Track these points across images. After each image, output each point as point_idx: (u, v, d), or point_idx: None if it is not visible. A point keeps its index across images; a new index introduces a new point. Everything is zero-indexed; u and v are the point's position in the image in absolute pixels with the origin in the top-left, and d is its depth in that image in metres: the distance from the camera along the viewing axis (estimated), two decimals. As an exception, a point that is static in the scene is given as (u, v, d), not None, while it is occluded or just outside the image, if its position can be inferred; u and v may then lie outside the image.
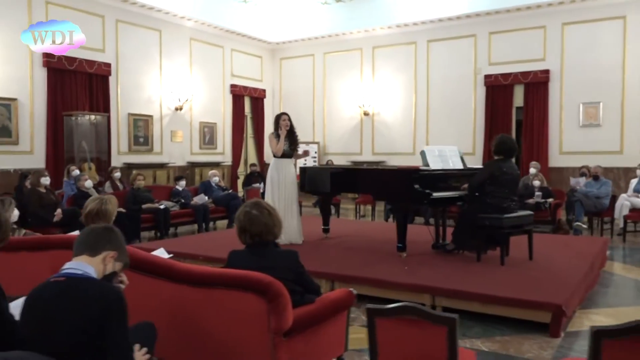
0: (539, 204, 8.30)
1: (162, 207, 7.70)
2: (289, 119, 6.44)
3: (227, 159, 13.69)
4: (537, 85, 11.46)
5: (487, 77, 11.97)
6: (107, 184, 8.70)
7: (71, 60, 9.79)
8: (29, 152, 9.54)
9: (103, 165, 10.11)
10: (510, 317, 3.99)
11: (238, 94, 13.84)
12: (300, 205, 10.91)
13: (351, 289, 2.99)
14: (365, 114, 13.60)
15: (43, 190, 6.56)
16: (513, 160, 5.41)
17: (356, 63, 13.78)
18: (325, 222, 6.78)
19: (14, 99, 9.24)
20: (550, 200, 8.32)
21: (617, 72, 10.65)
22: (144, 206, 7.59)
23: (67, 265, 1.92)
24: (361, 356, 3.39)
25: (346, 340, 3.00)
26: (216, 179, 9.38)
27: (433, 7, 12.24)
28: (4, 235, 2.17)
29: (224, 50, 13.54)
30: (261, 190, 10.01)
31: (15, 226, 4.53)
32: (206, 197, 8.58)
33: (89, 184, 7.10)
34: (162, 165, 11.76)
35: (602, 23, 10.78)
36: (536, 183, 8.58)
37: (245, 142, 14.29)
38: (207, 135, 13.20)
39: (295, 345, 2.57)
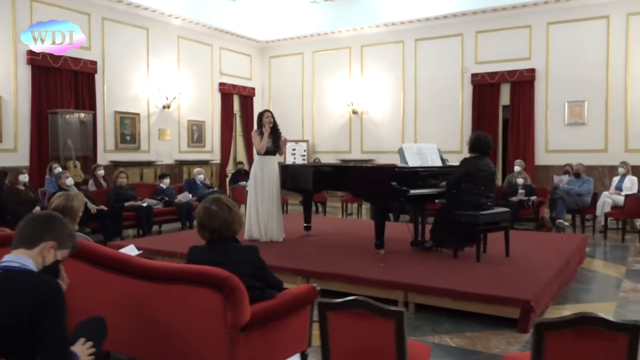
0: (522, 201, 8.35)
1: (145, 205, 7.69)
2: (272, 116, 6.44)
3: (215, 157, 13.68)
4: (523, 84, 11.52)
5: (474, 75, 12.02)
6: (91, 181, 8.67)
7: (56, 57, 9.73)
8: (13, 149, 9.50)
9: (89, 164, 10.06)
10: (481, 313, 4.02)
11: (227, 92, 13.82)
12: (287, 204, 10.98)
13: (314, 285, 3.01)
14: (354, 112, 13.62)
15: (22, 187, 6.54)
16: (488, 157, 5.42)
17: (345, 62, 13.80)
18: (307, 219, 6.79)
19: (-2, 97, 9.21)
20: (534, 198, 8.36)
21: (601, 71, 10.72)
22: (126, 204, 7.57)
23: (5, 258, 1.91)
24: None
25: (310, 336, 3.01)
26: (201, 176, 9.38)
27: (421, 6, 12.27)
28: None
29: (213, 48, 13.52)
30: (247, 189, 10.00)
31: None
32: (190, 195, 8.57)
33: (69, 181, 7.08)
34: (149, 164, 11.73)
35: (586, 22, 10.85)
36: (520, 181, 8.62)
37: (234, 141, 14.28)
38: (196, 133, 13.18)
39: (254, 340, 2.58)
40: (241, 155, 14.52)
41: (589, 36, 10.83)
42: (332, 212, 11.14)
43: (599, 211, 8.15)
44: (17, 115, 9.50)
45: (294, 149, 14.28)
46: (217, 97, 13.67)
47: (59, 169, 7.78)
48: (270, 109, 14.67)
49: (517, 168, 9.35)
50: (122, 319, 2.81)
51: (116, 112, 11.20)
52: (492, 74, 11.78)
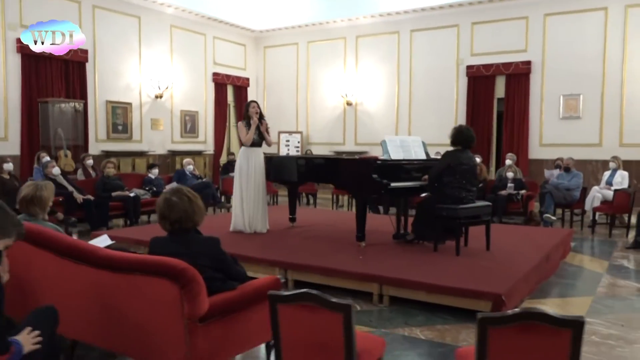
0: (511, 195, 8.33)
1: (132, 195, 7.68)
2: (258, 106, 6.40)
3: (209, 147, 13.65)
4: (519, 76, 11.44)
5: (469, 67, 11.94)
6: (79, 171, 8.66)
7: (46, 46, 9.67)
8: (4, 138, 9.49)
9: (80, 153, 10.04)
10: (454, 306, 4.01)
11: (220, 82, 13.77)
12: (277, 195, 10.98)
13: (278, 276, 3.00)
14: (348, 103, 13.56)
15: (6, 176, 6.53)
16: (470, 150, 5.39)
17: (340, 52, 13.72)
18: (292, 211, 6.78)
19: (-13, 85, 9.19)
20: (523, 192, 8.34)
21: (597, 64, 10.64)
22: (113, 194, 7.56)
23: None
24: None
25: (274, 327, 3.00)
26: (190, 167, 9.36)
27: (416, -4, 12.19)
28: None
29: (206, 37, 13.45)
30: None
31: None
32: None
33: (56, 171, 7.07)
34: (141, 154, 11.71)
35: (583, 14, 10.74)
36: (509, 175, 8.60)
37: (227, 131, 14.24)
38: (189, 123, 13.15)
39: (213, 331, 2.58)
40: (235, 146, 14.47)
41: (586, 28, 10.73)
42: (323, 204, 11.13)
43: (588, 206, 8.12)
44: (7, 103, 9.48)
45: (287, 140, 14.25)
46: (211, 87, 13.62)
47: (47, 158, 7.77)
48: (265, 100, 14.88)
49: (508, 162, 9.33)
50: (87, 308, 2.81)
51: (108, 102, 11.16)
52: (487, 66, 11.70)
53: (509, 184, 8.36)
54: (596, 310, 4.23)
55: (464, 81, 12.06)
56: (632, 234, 7.11)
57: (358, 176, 5.31)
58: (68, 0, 10.30)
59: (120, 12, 11.31)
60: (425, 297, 4.09)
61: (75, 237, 5.08)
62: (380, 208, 9.07)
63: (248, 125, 6.19)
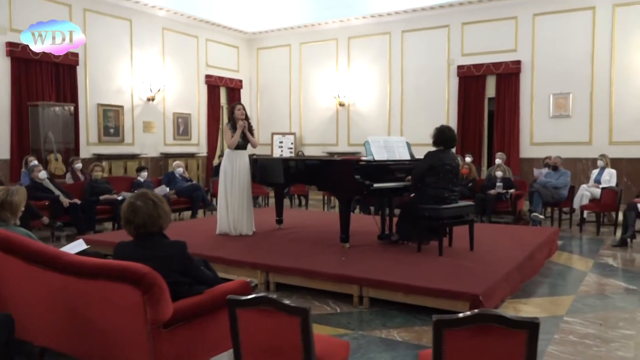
0: (500, 194, 8.33)
1: (120, 198, 7.68)
2: (244, 109, 6.41)
3: (202, 150, 13.65)
4: (509, 76, 11.45)
5: (459, 67, 11.95)
6: (68, 174, 8.65)
7: (36, 50, 9.67)
8: (-7, 142, 9.49)
9: (71, 156, 10.04)
10: (433, 307, 4.01)
11: (213, 84, 13.76)
12: (267, 197, 10.97)
13: (249, 280, 2.99)
14: (341, 104, 13.56)
15: (-9, 181, 6.52)
16: (453, 150, 5.39)
17: (332, 53, 13.72)
18: (279, 213, 6.77)
19: (-24, 89, 9.19)
20: (512, 191, 8.34)
21: (586, 63, 10.65)
22: (101, 197, 7.56)
23: None
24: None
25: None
26: (180, 169, 9.36)
27: (407, -3, 12.21)
28: None
29: (199, 40, 13.44)
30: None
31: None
32: (167, 189, 8.55)
33: (42, 175, 7.06)
34: (133, 157, 11.70)
35: (572, 14, 10.76)
36: (498, 174, 8.60)
37: (221, 133, 14.20)
38: (182, 126, 13.14)
39: (178, 336, 2.57)
40: (228, 148, 14.47)
41: (574, 27, 10.75)
42: (315, 205, 11.13)
43: (576, 204, 8.12)
44: (-4, 107, 9.48)
45: (281, 142, 14.26)
46: (204, 89, 13.62)
47: (35, 162, 7.76)
48: (258, 101, 14.88)
49: (497, 161, 9.35)
50: (54, 315, 2.81)
51: (99, 105, 11.15)
52: (477, 66, 11.71)
53: (498, 183, 8.37)
54: (576, 309, 4.23)
55: (454, 81, 12.07)
56: (620, 232, 7.11)
57: (340, 177, 5.31)
58: (59, 3, 10.30)
59: (111, 15, 11.30)
60: (403, 298, 4.09)
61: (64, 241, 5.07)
62: (371, 209, 9.06)
63: (233, 128, 6.19)
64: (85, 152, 10.79)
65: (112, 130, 11.49)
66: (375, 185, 5.24)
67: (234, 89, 14.42)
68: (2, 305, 2.92)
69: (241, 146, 6.20)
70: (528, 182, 9.01)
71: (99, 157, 10.88)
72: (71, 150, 10.16)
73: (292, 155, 13.50)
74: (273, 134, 14.34)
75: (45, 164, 9.42)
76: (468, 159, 10.08)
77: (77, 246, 3.63)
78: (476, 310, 1.94)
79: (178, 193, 8.82)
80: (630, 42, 10.22)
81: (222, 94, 14.20)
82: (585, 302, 4.42)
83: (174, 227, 7.28)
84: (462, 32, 11.97)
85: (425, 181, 5.19)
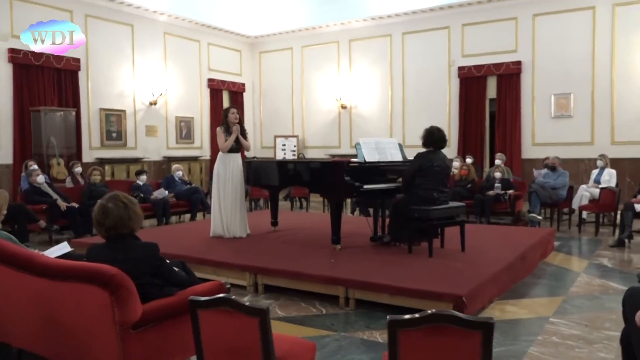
0: (498, 195, 8.28)
1: (118, 201, 7.72)
2: (238, 113, 6.43)
3: (205, 153, 13.72)
4: (510, 76, 11.40)
5: (460, 69, 11.91)
6: (68, 178, 8.74)
7: (38, 55, 9.78)
8: (-4, 147, 9.62)
9: (74, 161, 10.14)
10: (418, 308, 3.99)
11: (216, 88, 13.84)
12: (268, 200, 10.99)
13: (224, 281, 3.01)
14: (343, 107, 13.57)
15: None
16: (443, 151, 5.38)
17: (333, 56, 13.75)
18: (273, 215, 6.79)
19: (-22, 95, 9.32)
20: (510, 191, 8.29)
21: (587, 62, 10.57)
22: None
23: None
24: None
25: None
26: (180, 173, 9.42)
27: (407, -1, 12.20)
28: None
29: (200, 44, 13.53)
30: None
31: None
32: (166, 192, 8.61)
33: (40, 179, 7.15)
34: (136, 160, 11.79)
35: (572, 14, 10.69)
36: (497, 175, 8.55)
37: (223, 136, 14.27)
38: (184, 129, 13.22)
39: (148, 338, 2.59)
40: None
41: (575, 27, 10.68)
42: (316, 208, 11.15)
43: (575, 204, 8.05)
44: (-1, 113, 9.61)
45: (284, 145, 14.28)
46: (206, 93, 13.70)
47: (34, 167, 7.85)
48: (261, 105, 14.94)
49: (497, 162, 9.30)
50: (30, 317, 2.83)
51: (101, 109, 11.26)
52: (478, 67, 11.67)
53: (496, 184, 8.33)
54: (564, 310, 4.20)
55: (455, 82, 12.04)
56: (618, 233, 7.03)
57: (330, 179, 5.31)
58: (60, 9, 10.42)
59: (112, 20, 11.42)
60: (389, 299, 4.08)
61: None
62: (370, 211, 9.05)
63: (226, 132, 6.22)
64: (88, 156, 10.90)
65: (114, 135, 11.59)
66: (366, 186, 5.24)
67: (236, 92, 14.49)
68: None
69: (234, 149, 6.22)
70: (529, 183, 8.95)
71: (102, 161, 10.99)
72: (73, 155, 10.27)
73: (295, 158, 13.52)
74: (276, 136, 14.37)
75: (47, 168, 9.54)
76: (469, 160, 10.05)
77: (60, 249, 3.66)
78: (431, 311, 1.94)
79: (177, 196, 8.88)
80: (631, 42, 10.14)
81: (225, 97, 14.27)
82: (574, 303, 4.38)
83: (169, 230, 7.38)
84: (463, 33, 11.93)
85: (415, 182, 5.18)
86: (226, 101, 14.28)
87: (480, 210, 8.23)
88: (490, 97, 11.81)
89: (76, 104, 10.65)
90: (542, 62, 11.05)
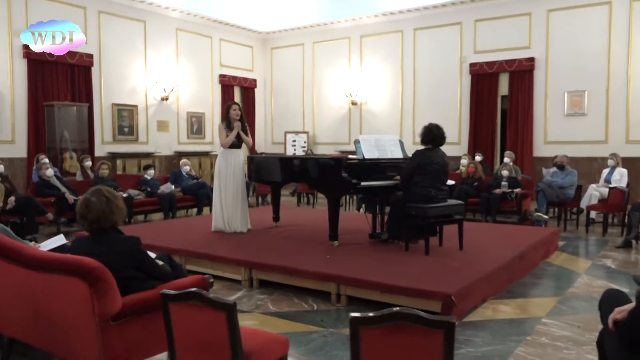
0: (505, 194, 8.19)
1: (124, 195, 7.85)
2: (239, 109, 6.47)
3: (216, 148, 13.73)
4: (522, 73, 11.24)
5: (472, 65, 11.79)
6: (78, 172, 8.90)
7: (51, 51, 9.96)
8: (11, 141, 9.82)
9: (86, 154, 10.31)
10: (408, 306, 3.98)
11: (227, 84, 13.93)
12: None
13: (207, 275, 3.04)
14: (353, 103, 13.55)
15: (-3, 178, 6.77)
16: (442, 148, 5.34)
17: (344, 52, 13.72)
18: (275, 211, 6.82)
19: (-6, 90, 9.53)
20: (517, 190, 8.19)
21: (602, 59, 10.37)
22: (107, 194, 7.73)
23: None
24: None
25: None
26: (187, 167, 9.51)
27: (419, -6, 12.11)
28: None
29: (212, 40, 13.62)
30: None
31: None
32: (172, 186, 8.70)
33: (49, 172, 7.28)
34: (147, 155, 11.94)
35: (587, 9, 10.49)
36: (504, 173, 8.46)
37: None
38: (195, 125, 13.35)
39: (129, 330, 2.63)
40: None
41: (590, 23, 10.48)
42: (323, 204, 11.10)
43: (584, 204, 7.93)
44: (14, 108, 9.81)
45: (294, 141, 14.33)
46: (217, 88, 13.79)
47: (45, 160, 8.01)
48: (272, 101, 14.99)
49: (506, 160, 9.19)
50: (19, 306, 2.91)
51: (113, 104, 11.42)
52: (490, 64, 11.54)
53: (503, 183, 8.23)
54: (558, 311, 4.15)
55: (467, 79, 11.92)
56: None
57: (328, 175, 5.32)
58: (74, 6, 10.58)
59: (125, 16, 11.55)
60: (380, 297, 4.08)
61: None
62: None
63: (228, 128, 6.26)
64: (100, 150, 11.08)
65: (126, 129, 11.75)
66: (363, 183, 5.24)
67: (248, 88, 14.55)
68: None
69: (235, 145, 6.27)
70: (537, 182, 8.83)
71: (114, 156, 11.16)
72: (86, 149, 10.44)
73: (304, 154, 13.54)
74: (286, 132, 14.42)
75: (60, 162, 9.73)
76: (478, 158, 9.96)
77: (56, 241, 3.73)
78: (394, 309, 1.94)
79: (184, 191, 8.97)
80: (648, 38, 9.92)
81: (236, 93, 14.35)
82: (570, 304, 4.33)
83: (172, 224, 7.46)
84: (475, 29, 11.80)
85: (413, 180, 5.15)
86: (237, 97, 14.36)
87: (486, 208, 8.16)
88: (502, 94, 11.68)
89: (89, 99, 10.82)
90: (555, 58, 10.87)
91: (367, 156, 5.46)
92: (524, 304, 4.36)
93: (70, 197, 7.27)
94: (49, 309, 2.73)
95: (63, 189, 7.43)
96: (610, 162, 8.29)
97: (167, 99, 12.40)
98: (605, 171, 8.36)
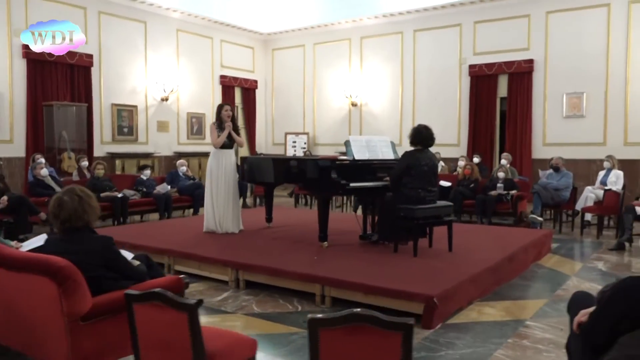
0: (501, 195, 8.16)
1: (120, 195, 7.88)
2: (231, 109, 6.48)
3: (216, 149, 13.81)
4: (521, 75, 11.20)
5: (471, 67, 11.75)
6: (75, 172, 8.94)
7: (51, 51, 10.01)
8: (9, 141, 9.87)
9: (85, 155, 10.35)
10: (392, 308, 3.97)
11: (228, 84, 13.95)
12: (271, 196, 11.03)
13: (182, 276, 3.04)
14: (354, 104, 13.54)
15: (-7, 177, 6.81)
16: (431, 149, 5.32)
17: (345, 53, 13.72)
18: (268, 211, 6.83)
19: (-7, 89, 9.59)
20: (513, 192, 8.15)
21: (601, 61, 10.31)
22: (102, 194, 7.77)
23: None
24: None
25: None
26: (184, 168, 9.53)
27: (419, -4, 12.09)
28: None
29: (213, 41, 13.65)
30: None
31: None
32: (168, 187, 8.72)
33: (44, 172, 7.32)
34: (147, 155, 11.97)
35: (586, 11, 10.44)
36: (500, 175, 8.42)
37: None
38: (196, 125, 13.37)
39: (99, 330, 2.63)
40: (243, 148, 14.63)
41: (589, 25, 10.42)
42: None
43: (579, 206, 7.88)
44: (12, 107, 9.86)
45: (294, 142, 14.33)
46: (218, 89, 13.82)
47: (41, 160, 8.04)
48: (273, 102, 15.00)
49: (503, 161, 9.16)
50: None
51: (113, 105, 11.46)
52: (489, 65, 11.50)
53: (499, 184, 8.19)
54: (543, 314, 4.12)
55: (466, 80, 11.89)
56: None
57: (316, 176, 5.31)
58: (74, 7, 10.63)
59: (126, 17, 11.60)
60: (363, 298, 4.06)
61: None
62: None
63: (219, 128, 6.27)
64: (100, 150, 11.12)
65: (126, 130, 11.79)
66: (352, 184, 5.23)
67: (248, 89, 14.57)
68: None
69: (227, 145, 6.28)
70: (533, 184, 8.79)
71: (113, 156, 11.20)
72: (85, 149, 10.48)
73: (304, 155, 13.54)
74: (287, 133, 14.43)
75: (59, 162, 9.78)
76: (476, 160, 9.93)
77: (37, 241, 3.74)
78: (355, 310, 1.93)
79: (180, 191, 8.99)
80: (647, 40, 9.85)
81: (237, 94, 14.37)
82: (556, 307, 4.29)
83: (165, 224, 7.46)
84: (474, 30, 11.77)
85: (402, 181, 5.14)
86: (238, 98, 14.38)
87: (481, 210, 8.12)
88: (501, 96, 11.64)
89: (88, 99, 10.86)
90: (554, 60, 10.82)
91: (357, 157, 5.45)
92: (510, 307, 4.33)
93: (64, 197, 7.28)
94: (21, 309, 2.74)
95: (57, 188, 7.45)
96: (606, 164, 8.24)
97: (167, 99, 12.44)
98: (601, 173, 8.32)
